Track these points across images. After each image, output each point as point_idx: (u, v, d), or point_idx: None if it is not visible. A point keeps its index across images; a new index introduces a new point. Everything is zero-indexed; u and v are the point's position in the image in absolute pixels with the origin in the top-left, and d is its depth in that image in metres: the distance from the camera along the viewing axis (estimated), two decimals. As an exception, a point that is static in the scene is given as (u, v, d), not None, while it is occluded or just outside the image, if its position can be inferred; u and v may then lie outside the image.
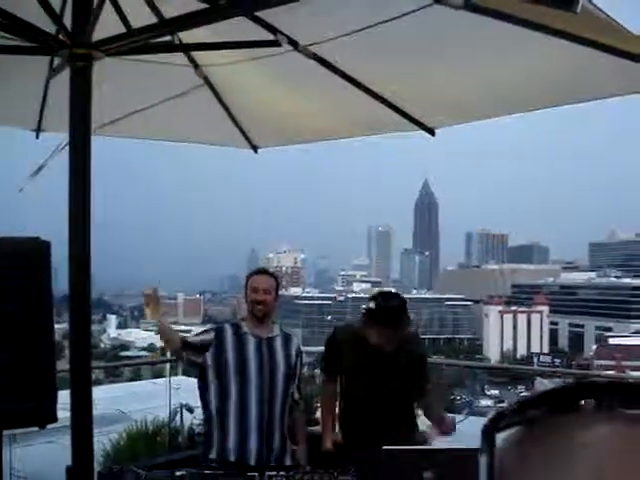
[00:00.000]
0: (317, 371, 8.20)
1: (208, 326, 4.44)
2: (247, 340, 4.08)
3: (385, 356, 4.03)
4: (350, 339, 4.23)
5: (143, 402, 8.28)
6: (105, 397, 9.62)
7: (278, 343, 4.16)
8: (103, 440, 5.56)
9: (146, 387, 10.07)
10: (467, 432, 4.68)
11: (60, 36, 2.81)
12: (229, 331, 4.14)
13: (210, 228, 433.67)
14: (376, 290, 4.39)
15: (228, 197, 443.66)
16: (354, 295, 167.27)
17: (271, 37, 3.42)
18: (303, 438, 4.30)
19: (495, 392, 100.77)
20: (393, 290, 4.23)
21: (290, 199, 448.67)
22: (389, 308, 3.97)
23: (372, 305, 3.98)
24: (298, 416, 4.33)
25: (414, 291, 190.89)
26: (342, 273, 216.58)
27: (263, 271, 4.42)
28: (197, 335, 4.27)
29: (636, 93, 3.43)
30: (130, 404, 8.65)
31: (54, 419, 3.36)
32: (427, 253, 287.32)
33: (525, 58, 3.37)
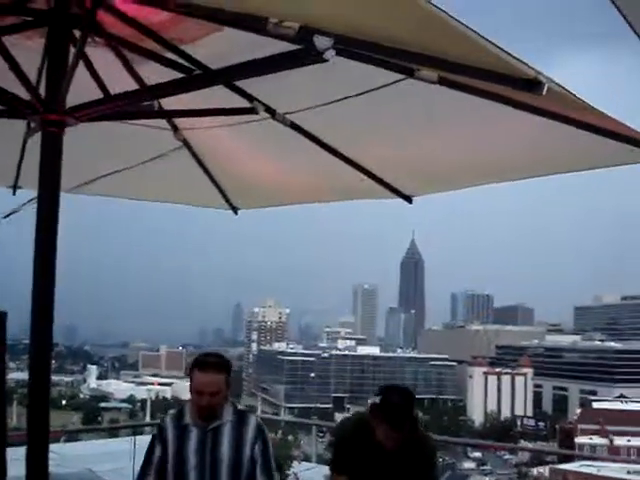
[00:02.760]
0: (290, 437, 8.12)
1: (153, 432, 3.90)
2: (189, 434, 3.69)
3: (390, 455, 3.83)
4: (356, 435, 4.00)
5: (117, 461, 8.03)
6: (79, 454, 9.47)
7: (226, 431, 3.71)
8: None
9: (120, 445, 9.86)
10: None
11: (34, 101, 2.83)
12: (170, 426, 3.75)
13: (195, 283, 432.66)
14: (383, 384, 4.12)
15: (211, 254, 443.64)
16: (338, 352, 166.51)
17: (248, 104, 3.45)
18: None
19: (478, 455, 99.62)
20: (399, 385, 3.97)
21: (275, 255, 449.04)
22: (393, 405, 3.77)
23: (377, 400, 3.83)
24: None
25: (399, 350, 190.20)
26: (327, 329, 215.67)
27: (209, 365, 3.72)
28: (144, 464, 3.79)
29: (608, 166, 3.52)
30: (103, 463, 8.49)
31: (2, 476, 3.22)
32: (412, 312, 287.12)
33: (498, 131, 3.43)
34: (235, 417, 3.77)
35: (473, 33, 2.13)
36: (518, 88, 2.33)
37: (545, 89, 2.26)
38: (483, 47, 2.18)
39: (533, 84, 2.26)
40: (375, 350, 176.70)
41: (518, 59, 2.23)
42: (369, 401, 3.92)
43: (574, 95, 2.48)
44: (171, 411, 3.98)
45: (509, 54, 2.21)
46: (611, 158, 3.39)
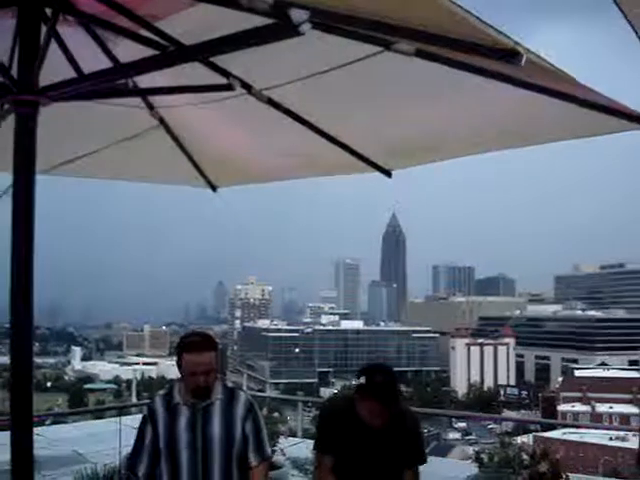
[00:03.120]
0: (277, 413, 8.14)
1: (143, 413, 3.83)
2: (179, 413, 3.67)
3: (376, 433, 3.86)
4: (340, 415, 4.02)
5: (103, 443, 7.99)
6: (65, 437, 9.46)
7: (217, 409, 3.69)
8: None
9: (106, 427, 9.84)
10: (432, 473, 4.64)
11: (6, 82, 2.78)
12: (160, 405, 3.72)
13: (177, 261, 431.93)
14: (365, 364, 4.19)
15: (192, 232, 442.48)
16: (322, 327, 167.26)
17: (224, 81, 3.41)
18: None
19: (462, 425, 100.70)
20: (380, 362, 4.05)
21: (256, 233, 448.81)
22: (379, 384, 3.80)
23: (362, 380, 3.89)
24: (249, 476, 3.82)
25: (382, 323, 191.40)
26: (310, 305, 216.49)
27: (199, 344, 3.69)
28: (137, 444, 3.76)
29: (584, 137, 3.54)
30: (89, 445, 8.47)
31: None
32: (394, 285, 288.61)
33: (476, 102, 3.42)
34: (225, 394, 3.76)
35: (451, 4, 2.11)
36: (497, 59, 2.31)
37: (524, 60, 2.25)
38: (461, 18, 2.15)
39: (512, 55, 2.24)
40: (358, 324, 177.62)
41: (496, 29, 2.21)
42: (354, 382, 3.96)
43: (553, 65, 2.47)
44: (160, 391, 3.92)
45: (487, 24, 2.19)
46: (590, 128, 3.41)
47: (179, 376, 3.74)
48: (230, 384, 3.93)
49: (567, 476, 5.53)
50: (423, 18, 2.33)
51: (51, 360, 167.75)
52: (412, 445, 4.06)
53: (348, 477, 4.07)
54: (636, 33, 2.38)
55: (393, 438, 3.92)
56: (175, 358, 3.77)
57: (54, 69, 2.89)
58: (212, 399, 3.70)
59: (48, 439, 8.31)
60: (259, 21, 2.40)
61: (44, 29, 2.86)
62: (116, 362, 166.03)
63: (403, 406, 4.13)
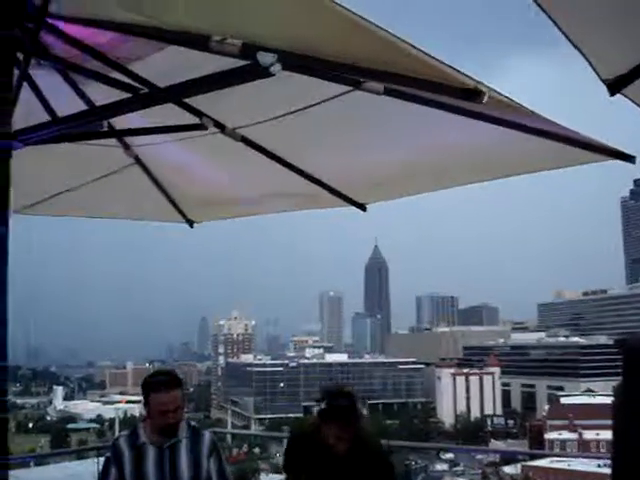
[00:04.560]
0: (257, 449, 8.10)
1: (106, 454, 3.84)
2: (145, 453, 3.68)
3: (340, 458, 3.93)
4: (306, 440, 4.12)
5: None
6: (45, 479, 9.33)
7: (183, 448, 3.73)
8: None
9: (89, 467, 9.69)
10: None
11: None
12: (125, 446, 3.73)
13: (159, 299, 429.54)
14: (326, 388, 4.28)
15: (174, 269, 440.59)
16: (306, 361, 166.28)
17: (197, 120, 3.46)
18: None
19: (450, 456, 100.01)
20: (344, 389, 4.13)
21: (237, 269, 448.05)
22: (340, 407, 3.89)
23: (323, 405, 3.94)
24: None
25: (366, 355, 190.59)
26: (294, 339, 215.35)
27: (166, 383, 3.71)
28: (105, 476, 3.76)
29: (551, 169, 3.63)
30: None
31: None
32: (378, 317, 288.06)
33: (444, 138, 3.51)
34: (190, 433, 3.80)
35: (414, 48, 2.19)
36: (459, 98, 2.38)
37: (486, 98, 2.31)
38: (424, 61, 2.24)
39: (473, 93, 2.31)
40: (343, 357, 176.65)
41: (458, 71, 2.29)
42: (315, 408, 4.03)
43: (516, 102, 2.55)
44: (123, 432, 3.93)
45: (450, 67, 2.27)
46: (556, 160, 3.50)
47: (143, 416, 3.77)
48: (193, 423, 3.96)
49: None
50: (388, 60, 2.40)
51: (33, 400, 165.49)
52: (377, 470, 4.09)
53: None
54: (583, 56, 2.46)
55: (357, 463, 3.96)
56: (141, 398, 3.76)
57: (28, 112, 2.93)
58: (178, 437, 3.73)
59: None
60: (232, 61, 2.46)
61: (17, 72, 2.89)
62: (98, 401, 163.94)
63: (366, 432, 4.20)
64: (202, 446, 3.79)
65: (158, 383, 3.70)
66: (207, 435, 3.88)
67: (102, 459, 3.99)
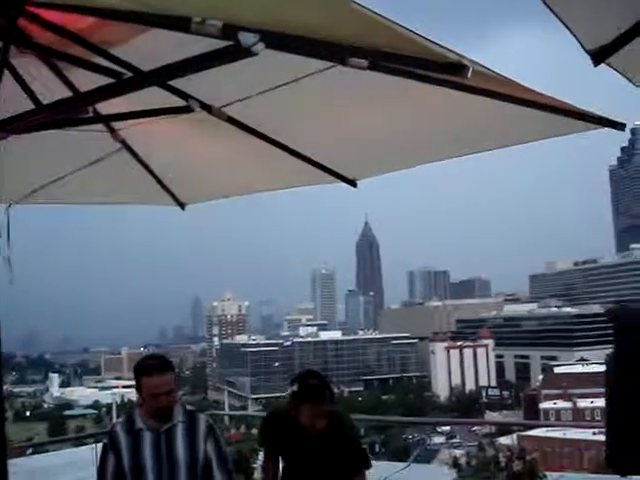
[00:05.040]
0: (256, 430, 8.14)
1: (104, 441, 3.85)
2: (142, 438, 3.71)
3: (314, 438, 4.10)
4: (281, 422, 4.28)
5: (81, 470, 7.89)
6: (43, 466, 9.36)
7: (179, 432, 3.75)
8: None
9: (87, 454, 9.72)
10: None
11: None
12: (121, 432, 3.75)
13: (150, 282, 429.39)
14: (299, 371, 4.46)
15: (163, 252, 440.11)
16: (301, 339, 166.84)
17: (183, 102, 3.44)
18: None
19: (446, 428, 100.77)
20: (313, 370, 4.34)
21: (229, 249, 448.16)
22: (311, 387, 4.07)
23: (295, 387, 4.07)
24: None
25: (360, 332, 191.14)
26: (287, 318, 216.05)
27: (158, 367, 3.74)
28: (103, 463, 3.77)
29: (538, 139, 3.64)
30: (67, 474, 8.38)
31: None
32: (371, 293, 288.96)
33: (433, 110, 3.49)
34: (185, 417, 3.82)
35: (395, 24, 2.19)
36: (444, 72, 2.38)
37: (470, 72, 2.32)
38: (406, 36, 2.24)
39: (458, 68, 2.31)
40: (337, 334, 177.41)
41: (442, 46, 2.28)
42: (287, 391, 4.18)
43: (500, 75, 2.55)
44: (119, 418, 3.97)
45: (432, 41, 2.27)
46: (545, 130, 3.49)
47: (139, 402, 3.79)
48: (189, 407, 3.98)
49: (544, 474, 5.61)
50: (371, 37, 2.39)
51: (29, 389, 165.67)
52: (352, 449, 4.24)
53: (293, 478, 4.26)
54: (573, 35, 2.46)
55: (331, 442, 4.12)
56: (134, 383, 3.78)
57: (11, 102, 2.91)
58: (174, 421, 3.76)
59: (28, 469, 8.23)
60: (214, 42, 2.44)
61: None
62: (95, 387, 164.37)
63: (339, 412, 4.35)
64: (198, 429, 3.82)
65: (149, 367, 3.73)
66: (203, 418, 3.91)
67: (100, 445, 4.01)
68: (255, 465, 6.70)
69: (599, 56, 2.62)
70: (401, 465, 5.10)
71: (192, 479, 3.73)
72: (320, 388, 4.06)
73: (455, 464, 5.66)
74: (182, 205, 5.24)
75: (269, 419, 4.52)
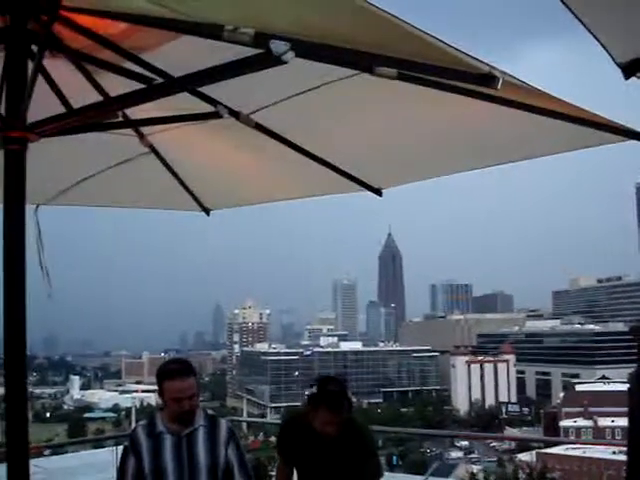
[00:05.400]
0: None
1: (124, 444, 3.86)
2: (163, 441, 3.71)
3: (329, 443, 4.05)
4: (298, 426, 4.23)
5: (101, 472, 7.93)
6: (63, 467, 9.41)
7: (200, 436, 3.76)
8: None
9: (107, 456, 9.75)
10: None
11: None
12: (142, 435, 3.76)
13: (171, 289, 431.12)
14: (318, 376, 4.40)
15: (187, 258, 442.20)
16: (321, 349, 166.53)
17: (211, 108, 3.47)
18: None
19: (465, 443, 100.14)
20: (334, 376, 4.30)
21: (251, 257, 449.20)
22: (329, 392, 4.00)
23: (314, 390, 4.04)
24: None
25: (381, 344, 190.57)
26: (308, 327, 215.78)
27: (181, 371, 3.76)
28: (123, 466, 3.77)
29: (566, 151, 3.62)
30: (87, 475, 8.41)
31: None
32: (393, 305, 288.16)
33: (462, 121, 3.50)
34: (207, 421, 3.83)
35: (427, 35, 2.20)
36: (474, 83, 2.38)
37: (500, 83, 2.32)
38: (437, 47, 2.25)
39: (488, 78, 2.31)
40: (357, 345, 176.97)
41: (472, 56, 2.29)
42: (306, 393, 4.14)
43: (530, 85, 2.55)
44: (141, 422, 3.96)
45: (463, 52, 2.28)
46: (574, 142, 3.49)
47: (160, 405, 3.82)
48: (210, 412, 3.99)
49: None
50: (402, 47, 2.40)
51: (50, 390, 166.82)
52: (366, 457, 4.19)
53: None
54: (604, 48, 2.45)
55: (346, 449, 4.07)
56: (156, 387, 3.79)
57: (43, 104, 2.95)
58: (196, 426, 3.77)
59: (47, 470, 8.27)
60: (242, 50, 2.46)
61: (31, 65, 2.91)
62: (115, 390, 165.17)
63: (356, 419, 4.27)
64: (219, 434, 3.82)
65: (172, 371, 3.75)
66: (224, 423, 3.91)
67: (120, 448, 4.02)
68: (272, 473, 6.70)
69: (630, 69, 2.60)
70: (419, 478, 5.04)
71: None
72: (338, 395, 4.01)
73: (473, 479, 5.59)
74: (207, 211, 5.27)
75: (286, 425, 4.52)
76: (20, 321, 2.93)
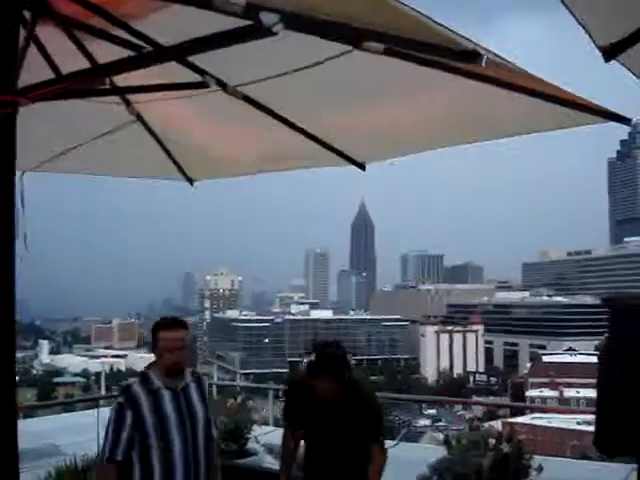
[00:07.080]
0: (251, 402, 8.24)
1: (118, 400, 3.91)
2: (162, 397, 3.86)
3: (332, 405, 4.08)
4: (299, 391, 4.31)
5: (79, 435, 8.04)
6: (37, 430, 9.44)
7: (192, 390, 4.01)
8: (29, 477, 5.29)
9: (79, 419, 9.83)
10: (401, 458, 4.80)
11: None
12: (140, 391, 3.85)
13: (143, 254, 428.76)
14: (316, 340, 4.41)
15: (159, 225, 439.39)
16: (292, 317, 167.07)
17: (199, 78, 3.50)
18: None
19: (432, 412, 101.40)
20: (332, 340, 4.25)
21: (225, 225, 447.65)
22: (329, 358, 4.03)
23: (313, 357, 4.07)
24: (214, 454, 4.15)
25: (351, 312, 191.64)
26: (280, 295, 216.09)
27: (174, 323, 3.99)
28: (115, 430, 3.81)
29: (546, 130, 3.70)
30: (64, 438, 8.45)
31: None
32: (364, 274, 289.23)
33: (444, 97, 3.55)
34: (194, 378, 4.09)
35: (414, 11, 2.24)
36: (458, 60, 2.44)
37: (484, 60, 2.37)
38: (423, 22, 2.28)
39: (473, 56, 2.36)
40: (328, 313, 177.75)
41: (458, 33, 2.34)
42: (305, 360, 4.18)
43: (513, 64, 2.60)
44: (132, 379, 4.08)
45: (449, 29, 2.32)
46: (552, 122, 3.53)
47: (148, 364, 4.02)
48: (193, 369, 4.25)
49: (531, 456, 5.73)
50: (389, 22, 2.45)
51: (19, 354, 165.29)
52: (370, 416, 4.21)
53: (314, 449, 4.30)
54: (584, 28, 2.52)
55: (349, 409, 4.10)
56: (151, 341, 4.04)
57: (33, 70, 2.97)
58: (187, 380, 4.01)
59: (21, 432, 8.28)
60: (232, 21, 2.50)
61: (23, 31, 2.92)
62: (84, 355, 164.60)
63: (358, 378, 4.31)
64: (204, 389, 4.13)
65: (166, 323, 3.99)
66: (205, 380, 4.23)
67: (103, 410, 4.11)
68: (249, 436, 6.81)
69: (610, 52, 2.67)
70: (390, 443, 5.17)
71: (208, 433, 4.01)
72: (337, 361, 4.03)
73: (446, 442, 5.75)
74: (191, 181, 5.30)
75: (289, 391, 4.54)
76: (9, 285, 2.97)
